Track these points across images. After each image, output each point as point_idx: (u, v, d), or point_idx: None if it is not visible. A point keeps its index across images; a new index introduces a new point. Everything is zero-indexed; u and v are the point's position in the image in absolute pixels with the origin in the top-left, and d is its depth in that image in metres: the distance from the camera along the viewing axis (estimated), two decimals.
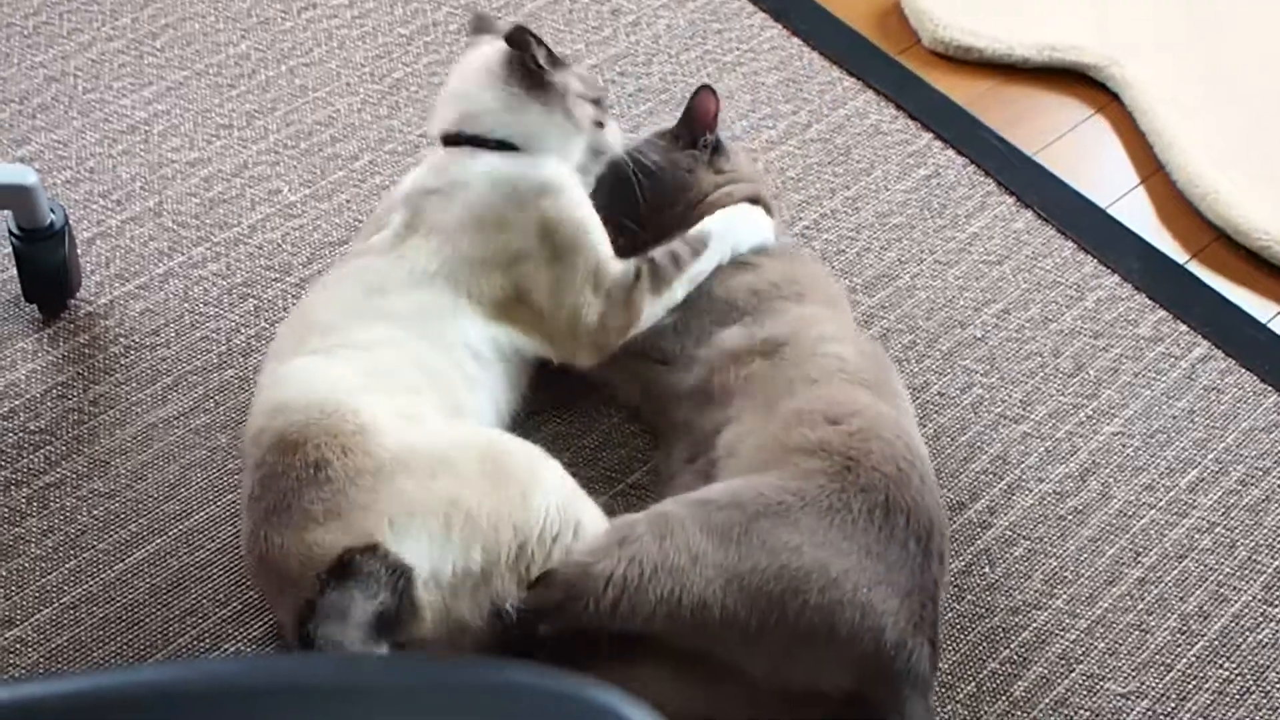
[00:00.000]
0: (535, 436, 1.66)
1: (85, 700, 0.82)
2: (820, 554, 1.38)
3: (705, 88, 1.75)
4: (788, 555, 1.37)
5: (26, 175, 1.67)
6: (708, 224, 1.66)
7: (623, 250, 1.63)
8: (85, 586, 1.55)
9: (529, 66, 1.62)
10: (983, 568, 1.65)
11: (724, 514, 1.40)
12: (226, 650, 1.52)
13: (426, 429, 1.44)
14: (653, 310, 1.61)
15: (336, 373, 1.47)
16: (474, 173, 1.60)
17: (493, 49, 1.66)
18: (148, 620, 1.53)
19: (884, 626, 1.38)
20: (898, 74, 2.17)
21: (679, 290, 1.62)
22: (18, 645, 1.50)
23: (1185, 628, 1.62)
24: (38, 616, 1.52)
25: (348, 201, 1.91)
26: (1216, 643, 1.61)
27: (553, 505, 1.40)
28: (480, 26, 1.74)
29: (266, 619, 1.54)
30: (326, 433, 1.40)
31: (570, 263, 1.58)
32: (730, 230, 1.67)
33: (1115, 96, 2.18)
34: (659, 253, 1.62)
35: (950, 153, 2.07)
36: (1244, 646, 1.61)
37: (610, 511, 1.62)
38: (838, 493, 1.42)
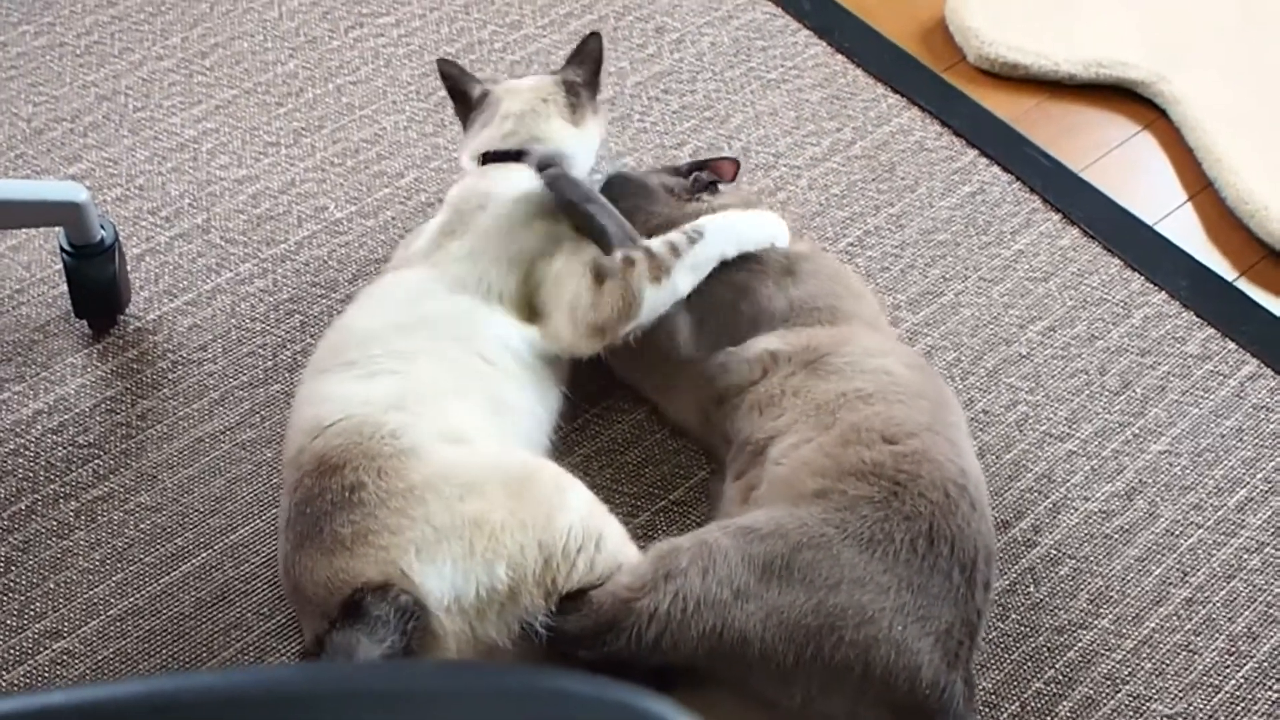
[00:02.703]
0: (577, 452, 1.67)
1: (147, 703, 0.83)
2: (857, 590, 1.37)
3: (732, 160, 1.88)
4: (826, 591, 1.36)
5: (78, 192, 1.69)
6: (704, 219, 1.66)
7: None
8: (132, 599, 1.56)
9: (576, 96, 1.77)
10: (1027, 587, 1.64)
11: (766, 544, 1.38)
12: (270, 663, 1.52)
13: (462, 452, 1.45)
14: (655, 299, 1.60)
15: (379, 391, 1.48)
16: (509, 183, 1.68)
17: (542, 80, 1.79)
18: (193, 633, 1.54)
19: (919, 665, 1.36)
20: (942, 90, 2.17)
21: (681, 279, 1.61)
22: (65, 657, 1.52)
23: (1234, 649, 1.61)
24: (85, 629, 1.54)
25: (393, 218, 1.92)
26: (1265, 664, 1.59)
27: (577, 521, 1.40)
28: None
29: None
30: (366, 455, 1.40)
31: (570, 251, 1.63)
32: (730, 225, 1.67)
33: (1163, 112, 2.16)
34: (655, 242, 1.63)
35: (995, 169, 2.06)
36: None
37: (653, 528, 1.62)
38: (880, 522, 1.40)
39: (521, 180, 1.68)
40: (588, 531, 1.40)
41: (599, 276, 1.59)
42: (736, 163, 1.89)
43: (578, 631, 1.36)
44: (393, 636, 1.30)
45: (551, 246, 1.64)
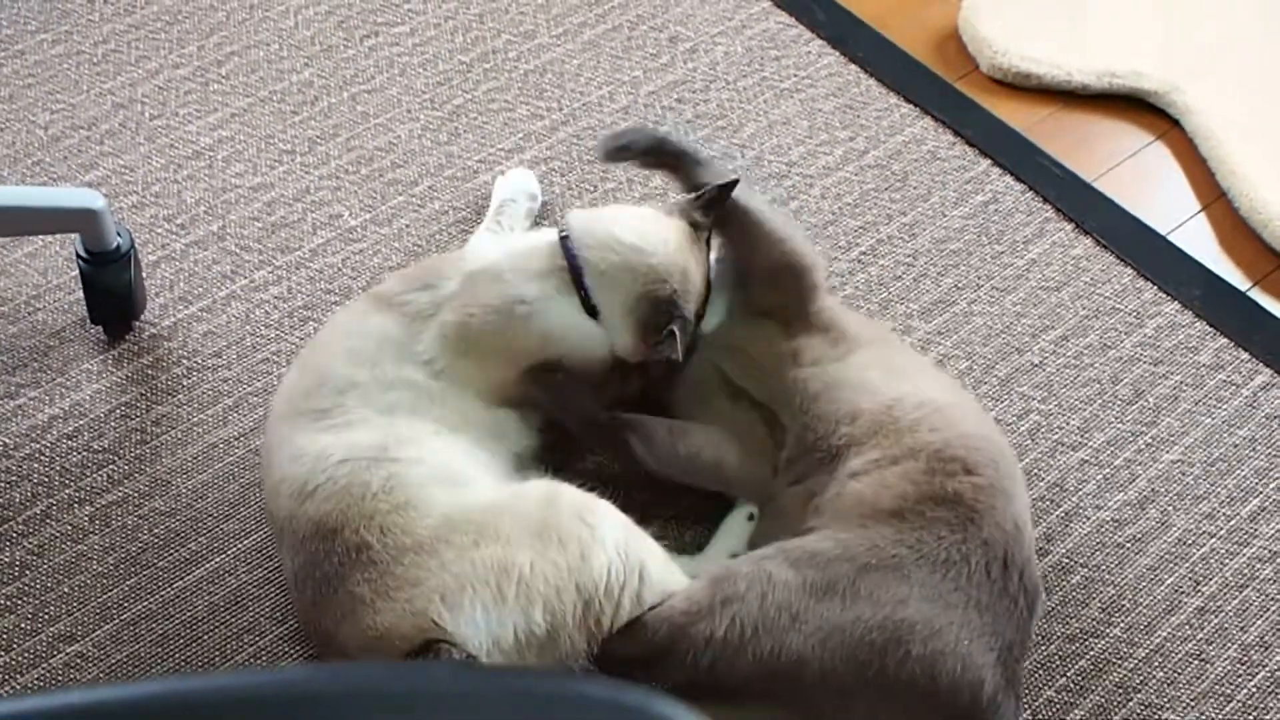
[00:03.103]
0: (589, 458, 1.67)
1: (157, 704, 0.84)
2: (926, 606, 1.37)
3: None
4: (894, 607, 1.36)
5: (94, 199, 1.70)
6: None
7: None
8: (145, 603, 1.57)
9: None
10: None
11: (831, 570, 1.38)
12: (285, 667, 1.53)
13: (464, 495, 1.42)
14: None
15: (359, 443, 1.45)
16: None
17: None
18: (206, 637, 1.55)
19: (983, 680, 1.36)
20: (956, 100, 2.17)
21: None
22: (78, 660, 1.52)
23: (1246, 658, 1.60)
24: (98, 632, 1.54)
25: (407, 226, 1.93)
26: (1278, 673, 1.59)
27: (615, 557, 1.37)
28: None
29: None
30: (363, 515, 1.39)
31: None
32: None
33: (1176, 123, 2.16)
34: None
35: (1009, 179, 2.06)
36: None
37: (664, 536, 1.62)
38: (959, 544, 1.41)
39: None
40: (629, 565, 1.37)
41: None
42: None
43: (629, 657, 1.35)
44: None
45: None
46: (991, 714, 1.37)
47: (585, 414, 1.59)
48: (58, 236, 1.88)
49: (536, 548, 1.36)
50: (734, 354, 1.63)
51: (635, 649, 1.35)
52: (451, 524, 1.38)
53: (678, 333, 1.54)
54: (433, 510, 1.39)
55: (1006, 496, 1.46)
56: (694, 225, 1.63)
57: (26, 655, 1.53)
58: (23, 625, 1.55)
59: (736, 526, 1.61)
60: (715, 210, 1.63)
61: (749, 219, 1.63)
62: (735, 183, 1.63)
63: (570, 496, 1.43)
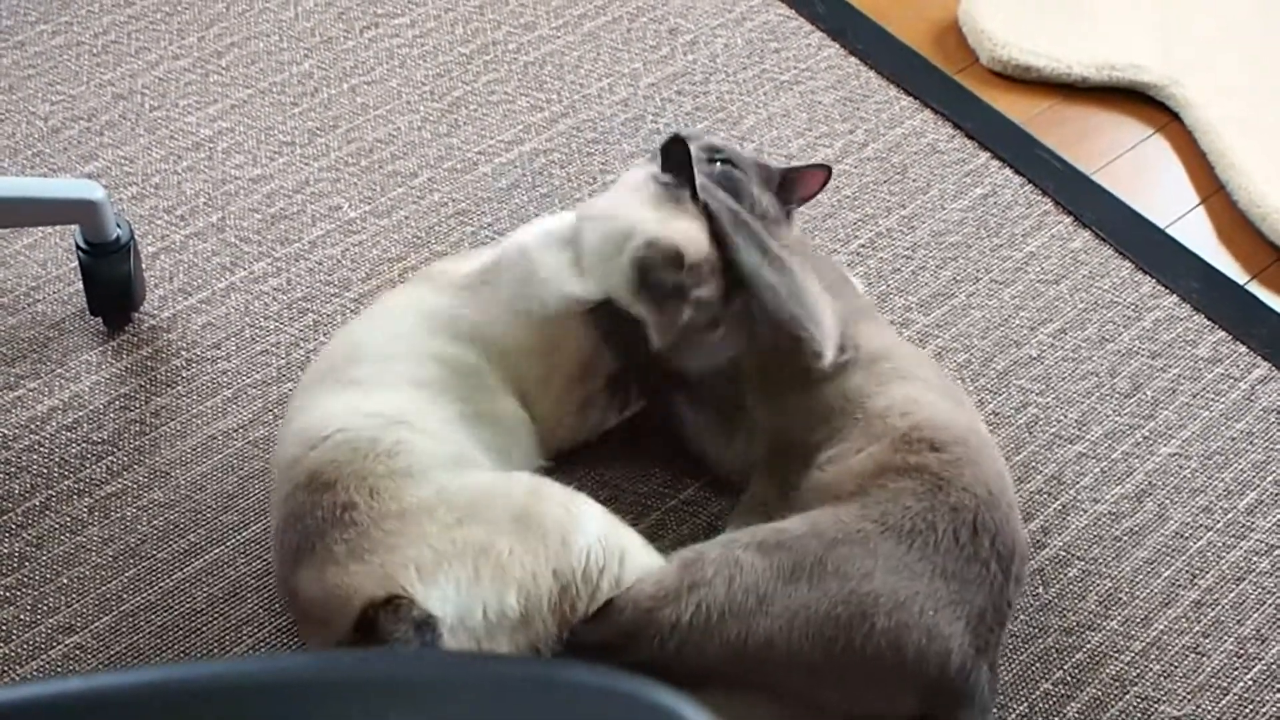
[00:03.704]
0: (585, 452, 1.68)
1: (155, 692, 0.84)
2: (891, 578, 1.37)
3: (827, 171, 1.80)
4: (858, 580, 1.36)
5: (94, 190, 1.70)
6: None
7: None
8: (144, 595, 1.57)
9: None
10: (1036, 588, 1.64)
11: (797, 548, 1.38)
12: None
13: (461, 476, 1.43)
14: None
15: (382, 406, 1.47)
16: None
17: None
18: (205, 629, 1.55)
19: (950, 650, 1.36)
20: (955, 93, 2.17)
21: None
22: (77, 652, 1.53)
23: (1242, 651, 1.61)
24: (98, 624, 1.55)
25: (406, 218, 1.93)
26: (1274, 666, 1.59)
27: (595, 543, 1.38)
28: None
29: None
30: (358, 475, 1.40)
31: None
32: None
33: (1175, 116, 2.16)
34: None
35: (1008, 172, 2.06)
36: None
37: (663, 526, 1.63)
38: (924, 513, 1.41)
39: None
40: (608, 550, 1.38)
41: None
42: (827, 171, 1.79)
43: (597, 641, 1.36)
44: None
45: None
46: (961, 683, 1.37)
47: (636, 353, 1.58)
48: (57, 228, 1.88)
49: (518, 533, 1.36)
50: None
51: (603, 633, 1.36)
52: (440, 499, 1.38)
53: (673, 297, 1.54)
54: (426, 484, 1.40)
55: (975, 465, 1.46)
56: (677, 198, 1.62)
57: (26, 646, 1.53)
58: (22, 617, 1.55)
59: None
60: (685, 174, 1.61)
61: (749, 280, 1.58)
62: (680, 139, 1.62)
63: (554, 488, 1.44)
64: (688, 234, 1.57)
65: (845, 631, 1.35)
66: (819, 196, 1.99)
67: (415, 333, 1.56)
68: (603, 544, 1.38)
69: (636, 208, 1.61)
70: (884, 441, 1.49)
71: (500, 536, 1.36)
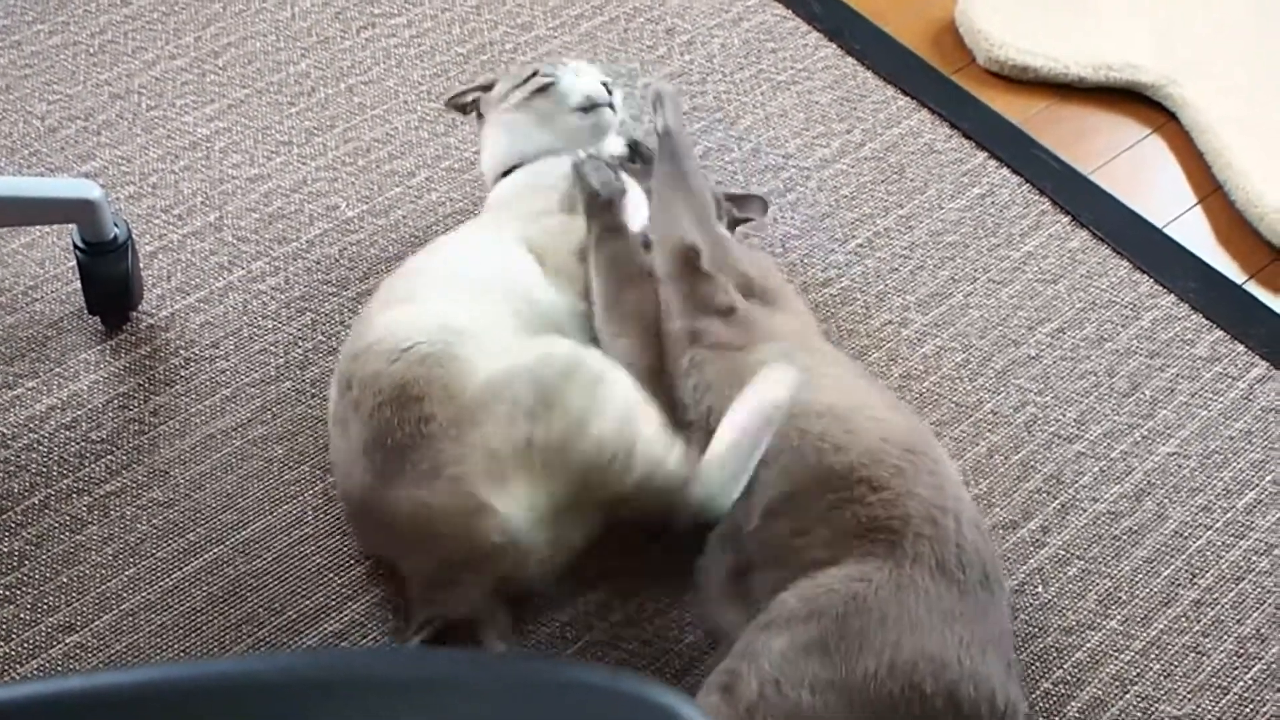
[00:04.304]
0: None
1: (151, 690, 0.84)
2: (916, 639, 1.35)
3: (761, 200, 1.91)
4: (890, 652, 1.35)
5: (91, 190, 1.70)
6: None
7: None
8: (144, 594, 1.57)
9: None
10: (1035, 587, 1.64)
11: (812, 627, 1.36)
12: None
13: (504, 358, 1.48)
14: None
15: (454, 321, 1.51)
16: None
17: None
18: (205, 628, 1.55)
19: (994, 689, 1.35)
20: (952, 93, 2.17)
21: None
22: (77, 651, 1.52)
23: (1242, 650, 1.61)
24: (97, 623, 1.55)
25: (404, 217, 1.93)
26: (1274, 666, 1.60)
27: (610, 428, 1.44)
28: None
29: (321, 627, 1.55)
30: (443, 386, 1.44)
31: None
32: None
33: (1172, 116, 2.17)
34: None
35: (1005, 171, 2.06)
36: None
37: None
38: (894, 569, 1.40)
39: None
40: (622, 435, 1.44)
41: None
42: (765, 202, 1.90)
43: None
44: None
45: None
46: (1010, 712, 1.36)
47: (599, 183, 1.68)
48: (55, 227, 1.87)
49: (545, 418, 1.43)
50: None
51: None
52: (488, 392, 1.44)
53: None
54: (478, 374, 1.45)
55: (918, 499, 1.43)
56: None
57: (25, 645, 1.53)
58: (22, 615, 1.55)
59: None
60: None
61: (658, 190, 1.70)
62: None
63: (586, 371, 1.48)
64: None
65: (903, 704, 1.33)
66: (816, 197, 1.99)
67: (479, 247, 1.67)
68: (618, 429, 1.44)
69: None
70: (828, 492, 1.45)
71: (538, 426, 1.42)
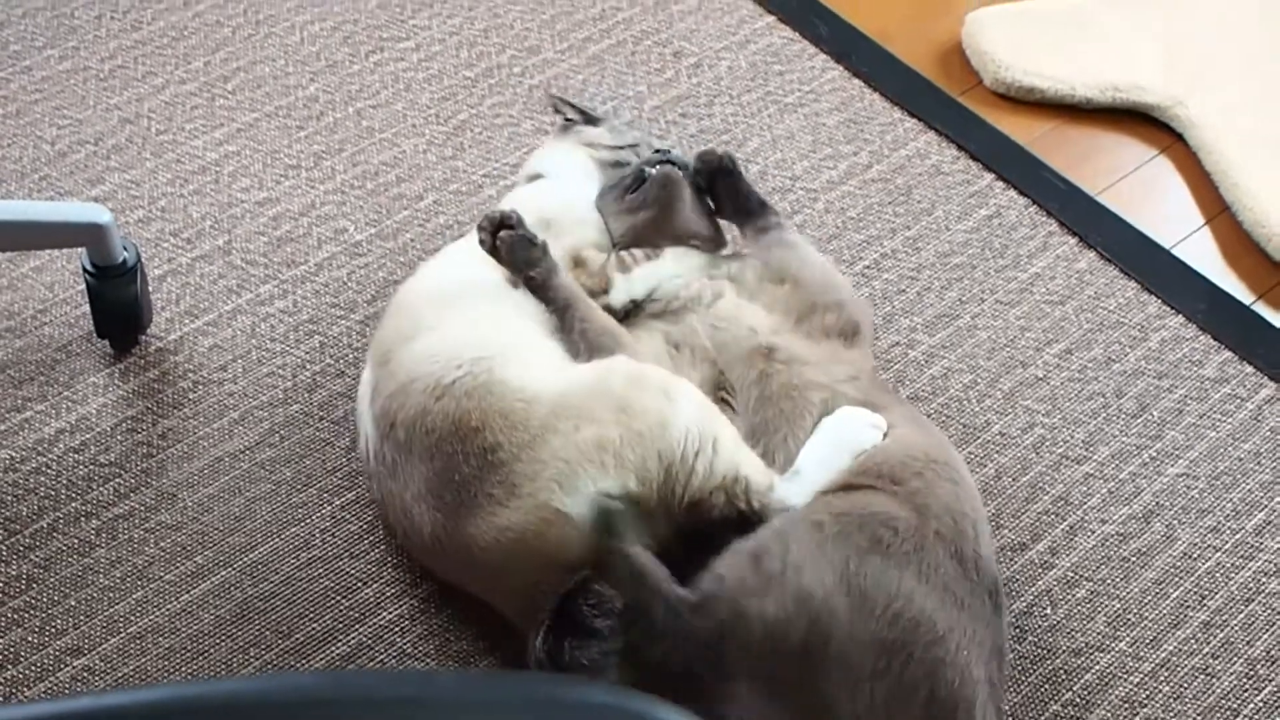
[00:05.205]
0: None
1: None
2: (927, 604, 1.36)
3: None
4: (902, 601, 1.36)
5: (101, 214, 1.70)
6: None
7: None
8: (151, 617, 1.57)
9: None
10: (1044, 609, 1.64)
11: (845, 540, 1.40)
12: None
13: (565, 378, 1.49)
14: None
15: (488, 344, 1.52)
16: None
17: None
18: (212, 651, 1.55)
19: (974, 697, 1.35)
20: (959, 115, 2.18)
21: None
22: (85, 674, 1.53)
23: (1252, 672, 1.60)
24: (105, 646, 1.55)
25: (412, 240, 1.94)
26: None
27: (691, 427, 1.45)
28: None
29: (327, 650, 1.55)
30: (501, 414, 1.45)
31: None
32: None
33: (1179, 137, 2.17)
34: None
35: (1012, 193, 2.06)
36: None
37: None
38: (919, 528, 1.41)
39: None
40: (703, 435, 1.45)
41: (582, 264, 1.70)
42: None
43: (703, 630, 1.36)
44: (613, 645, 1.38)
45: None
46: None
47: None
48: (64, 251, 1.88)
49: (623, 421, 1.44)
50: (701, 327, 1.64)
51: (699, 625, 1.36)
52: (556, 411, 1.45)
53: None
54: (545, 400, 1.46)
55: (938, 498, 1.45)
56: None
57: (34, 668, 1.53)
58: (30, 639, 1.55)
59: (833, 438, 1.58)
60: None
61: (810, 256, 1.72)
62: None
63: (652, 375, 1.50)
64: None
65: (889, 653, 1.34)
66: (824, 218, 2.00)
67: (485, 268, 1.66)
68: (698, 429, 1.46)
69: None
70: (848, 490, 1.48)
71: (610, 429, 1.43)
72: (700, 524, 1.47)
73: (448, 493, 1.45)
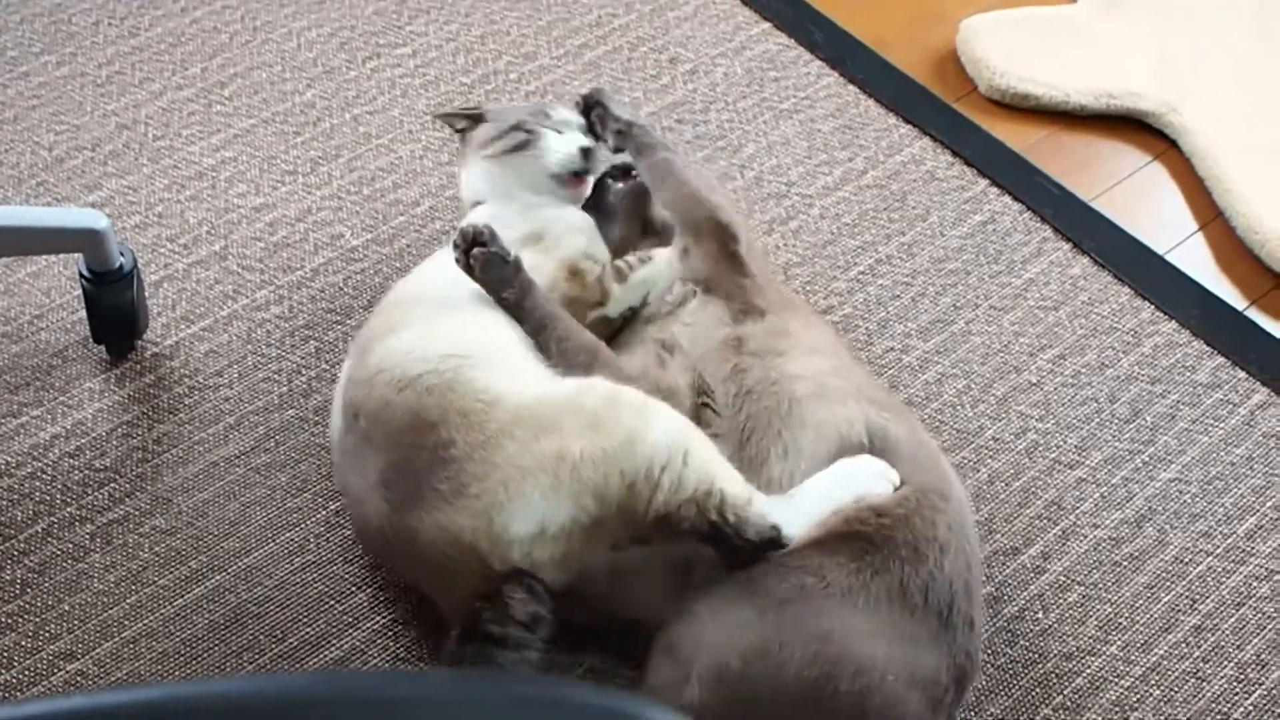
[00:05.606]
0: None
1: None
2: (845, 641, 1.38)
3: None
4: (818, 643, 1.37)
5: (97, 220, 1.71)
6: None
7: None
8: (145, 621, 1.58)
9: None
10: (1036, 613, 1.64)
11: (754, 604, 1.40)
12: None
13: (537, 392, 1.48)
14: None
15: (459, 346, 1.51)
16: None
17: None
18: (206, 655, 1.55)
19: (905, 715, 1.37)
20: (954, 121, 2.18)
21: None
22: (78, 678, 1.53)
23: (1242, 676, 1.60)
24: (98, 650, 1.55)
25: (408, 246, 1.94)
26: (1275, 692, 1.59)
27: (661, 445, 1.42)
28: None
29: (321, 654, 1.56)
30: (459, 413, 1.44)
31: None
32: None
33: (1173, 143, 2.17)
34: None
35: (1006, 199, 2.07)
36: None
37: None
38: (854, 573, 1.42)
39: None
40: (673, 450, 1.42)
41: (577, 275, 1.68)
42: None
43: None
44: (530, 649, 1.38)
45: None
46: None
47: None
48: (61, 256, 1.89)
49: (589, 438, 1.42)
50: (678, 328, 1.64)
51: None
52: (517, 418, 1.44)
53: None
54: (508, 406, 1.45)
55: (911, 529, 1.45)
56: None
57: (27, 673, 1.53)
58: (23, 643, 1.55)
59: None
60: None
61: (677, 179, 1.70)
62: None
63: (631, 395, 1.48)
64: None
65: (815, 691, 1.36)
66: (819, 224, 2.00)
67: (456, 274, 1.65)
68: (669, 445, 1.43)
69: None
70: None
71: (574, 443, 1.42)
72: (669, 536, 1.46)
73: (398, 484, 1.45)
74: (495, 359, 1.52)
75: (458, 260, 1.61)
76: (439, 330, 1.56)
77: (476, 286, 1.61)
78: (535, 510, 1.41)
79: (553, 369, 1.56)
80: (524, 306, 1.60)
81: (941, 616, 1.42)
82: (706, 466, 1.44)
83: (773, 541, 1.44)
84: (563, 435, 1.42)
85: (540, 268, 1.65)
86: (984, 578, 1.62)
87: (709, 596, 1.44)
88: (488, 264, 1.59)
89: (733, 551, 1.45)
